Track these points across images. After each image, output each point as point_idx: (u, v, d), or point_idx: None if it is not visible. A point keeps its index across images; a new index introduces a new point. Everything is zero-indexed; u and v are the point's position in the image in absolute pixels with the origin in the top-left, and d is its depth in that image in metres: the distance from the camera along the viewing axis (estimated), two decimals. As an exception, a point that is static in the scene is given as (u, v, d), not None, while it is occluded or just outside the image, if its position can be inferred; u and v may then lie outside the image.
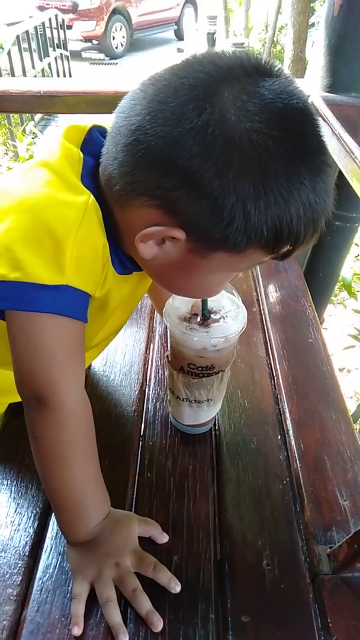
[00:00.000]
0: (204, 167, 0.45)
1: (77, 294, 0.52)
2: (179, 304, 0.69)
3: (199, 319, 0.67)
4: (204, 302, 0.66)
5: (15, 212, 0.50)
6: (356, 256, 2.60)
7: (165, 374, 0.89)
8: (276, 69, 0.48)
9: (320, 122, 0.50)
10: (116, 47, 8.41)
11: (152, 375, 0.90)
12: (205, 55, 0.49)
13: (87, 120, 0.59)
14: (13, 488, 0.70)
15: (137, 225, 0.51)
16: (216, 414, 0.78)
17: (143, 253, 0.53)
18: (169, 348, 0.72)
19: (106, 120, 0.58)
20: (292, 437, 0.78)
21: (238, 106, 0.44)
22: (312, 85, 1.15)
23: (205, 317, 0.67)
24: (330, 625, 0.56)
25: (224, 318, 0.67)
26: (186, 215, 0.48)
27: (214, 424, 0.80)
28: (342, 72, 1.08)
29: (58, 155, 0.54)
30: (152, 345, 0.97)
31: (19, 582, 0.59)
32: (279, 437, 0.78)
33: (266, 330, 1.00)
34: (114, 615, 0.55)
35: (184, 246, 0.51)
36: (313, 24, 4.50)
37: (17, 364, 0.54)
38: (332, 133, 0.93)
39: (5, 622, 0.56)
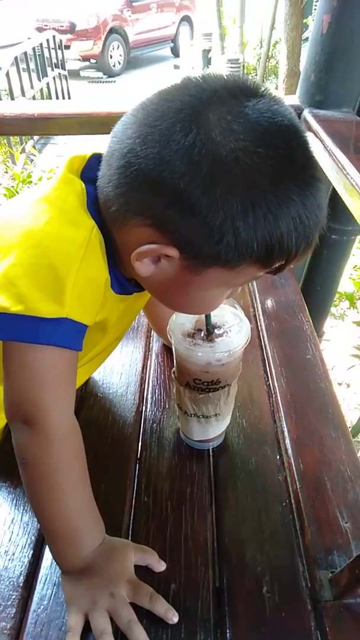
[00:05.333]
0: (192, 186, 0.46)
1: (75, 326, 0.53)
2: (183, 320, 0.69)
3: (202, 334, 0.67)
4: (208, 317, 0.66)
5: (19, 248, 0.52)
6: (354, 267, 2.60)
7: (170, 391, 0.88)
8: (261, 89, 0.49)
9: (309, 139, 0.50)
10: (114, 66, 8.55)
11: (149, 396, 0.89)
12: (193, 79, 0.50)
13: (87, 144, 0.61)
14: (7, 516, 0.68)
15: (133, 244, 0.53)
16: (226, 429, 0.78)
17: (140, 271, 0.54)
18: (174, 364, 0.72)
19: (99, 140, 0.59)
20: (291, 457, 0.76)
21: (223, 126, 0.46)
22: (303, 101, 1.15)
23: (209, 332, 0.67)
24: (332, 654, 0.54)
25: (227, 332, 0.68)
26: (178, 233, 0.49)
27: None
28: (332, 89, 1.09)
29: (61, 189, 0.56)
30: (149, 364, 0.96)
31: (13, 615, 0.58)
32: (278, 457, 0.77)
33: (263, 347, 0.99)
34: (110, 648, 0.53)
35: (179, 263, 0.52)
36: (306, 39, 4.56)
37: (9, 387, 0.55)
38: (323, 149, 0.93)
39: (-2, 658, 0.54)
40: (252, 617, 0.58)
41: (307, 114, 1.11)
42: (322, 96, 1.11)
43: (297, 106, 1.15)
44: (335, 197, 0.95)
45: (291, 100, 1.19)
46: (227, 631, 0.56)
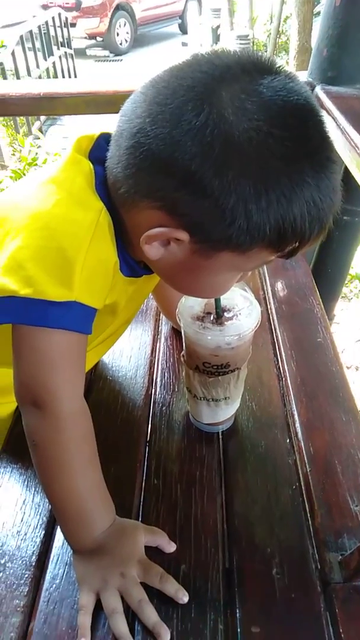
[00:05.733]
0: (203, 168, 0.44)
1: (85, 309, 0.53)
2: (193, 302, 0.68)
3: (212, 318, 0.67)
4: (217, 301, 0.66)
5: (27, 230, 0.51)
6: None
7: (179, 374, 0.88)
8: (276, 66, 0.48)
9: (324, 118, 0.48)
10: (120, 44, 8.39)
11: (158, 379, 0.89)
12: (205, 55, 0.49)
13: (94, 125, 0.60)
14: (19, 497, 0.69)
15: (142, 227, 0.52)
16: (236, 412, 0.77)
17: (149, 254, 0.53)
18: (183, 348, 0.71)
19: (106, 120, 0.57)
20: (301, 440, 0.76)
21: (236, 105, 0.44)
22: (315, 78, 1.12)
23: (218, 315, 0.66)
24: (342, 635, 0.54)
25: (237, 315, 0.67)
26: (189, 216, 0.48)
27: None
28: (345, 64, 1.06)
29: (68, 170, 0.55)
30: (158, 348, 0.95)
31: (26, 593, 0.59)
32: (288, 440, 0.77)
33: (274, 330, 0.99)
34: (121, 626, 0.54)
35: (189, 247, 0.51)
36: (318, 13, 4.42)
37: (18, 369, 0.55)
38: (336, 126, 0.91)
39: (12, 634, 0.55)
40: (261, 598, 0.58)
41: (319, 90, 1.08)
42: (334, 72, 1.08)
43: (309, 82, 1.12)
44: (347, 177, 0.93)
45: (302, 76, 1.16)
46: (237, 611, 0.57)
